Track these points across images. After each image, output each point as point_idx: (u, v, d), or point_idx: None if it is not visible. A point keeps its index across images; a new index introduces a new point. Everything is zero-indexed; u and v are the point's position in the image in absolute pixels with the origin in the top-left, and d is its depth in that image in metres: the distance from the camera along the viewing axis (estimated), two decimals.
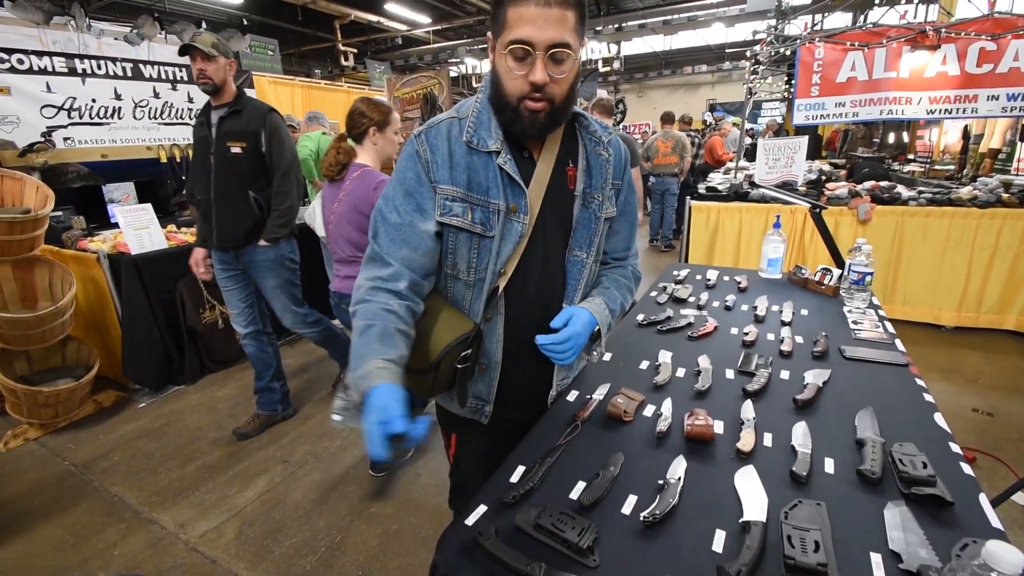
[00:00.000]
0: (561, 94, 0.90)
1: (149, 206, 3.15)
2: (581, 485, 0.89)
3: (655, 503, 0.83)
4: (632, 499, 0.86)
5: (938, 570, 0.68)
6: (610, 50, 13.61)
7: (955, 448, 0.96)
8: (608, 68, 13.30)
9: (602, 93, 11.20)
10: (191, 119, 5.35)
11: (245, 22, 10.21)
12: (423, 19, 11.59)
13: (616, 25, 12.38)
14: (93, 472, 2.41)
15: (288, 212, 2.42)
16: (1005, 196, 3.46)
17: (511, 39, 0.84)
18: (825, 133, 8.46)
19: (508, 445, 1.01)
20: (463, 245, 0.97)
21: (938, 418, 1.06)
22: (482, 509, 0.85)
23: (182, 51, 2.17)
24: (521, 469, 0.94)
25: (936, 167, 5.27)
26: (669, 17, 12.12)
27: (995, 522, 0.79)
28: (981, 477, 2.14)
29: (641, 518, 0.80)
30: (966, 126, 5.21)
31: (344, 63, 10.26)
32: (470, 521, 0.82)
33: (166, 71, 5.75)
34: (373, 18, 10.45)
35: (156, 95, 5.37)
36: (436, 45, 13.25)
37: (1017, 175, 4.37)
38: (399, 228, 0.95)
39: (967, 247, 3.46)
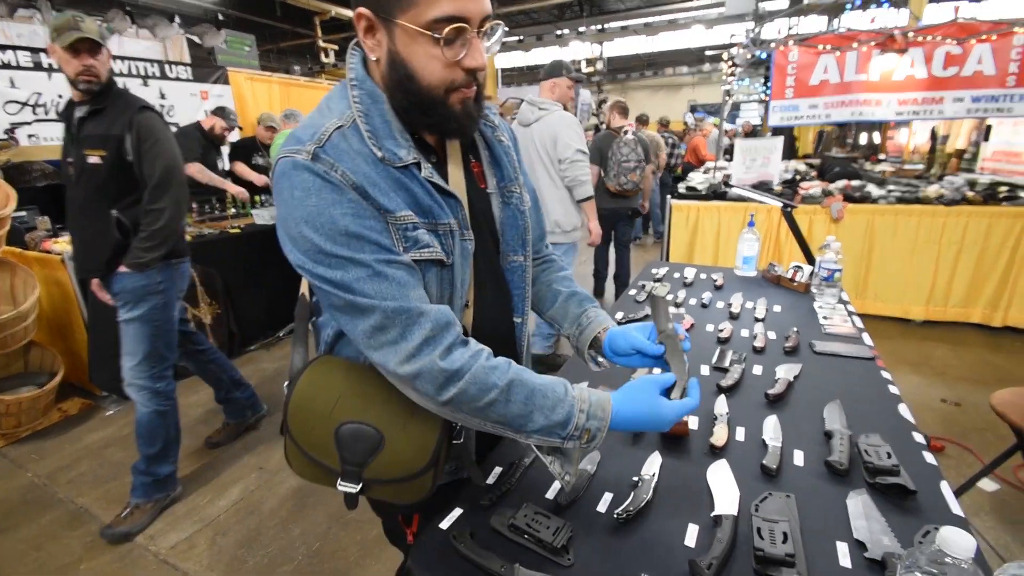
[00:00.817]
0: (485, 75, 0.74)
1: None
2: (558, 485, 0.90)
3: (629, 500, 0.84)
4: (608, 496, 0.87)
5: (900, 557, 0.70)
6: (593, 51, 13.68)
7: (918, 438, 1.00)
8: (592, 69, 13.39)
9: (585, 94, 11.27)
10: (169, 116, 5.23)
11: (221, 17, 10.00)
12: None
13: (599, 26, 12.45)
14: (58, 483, 2.33)
15: (160, 234, 1.86)
16: (970, 195, 3.58)
17: (436, 17, 0.65)
18: (802, 134, 8.64)
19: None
20: (432, 282, 0.75)
21: (902, 409, 1.09)
22: (457, 512, 0.84)
23: (70, 46, 1.70)
24: (498, 471, 0.94)
25: (906, 167, 5.42)
26: (650, 19, 12.25)
27: (955, 508, 0.82)
28: (950, 465, 2.23)
29: (615, 515, 0.81)
30: (933, 127, 5.37)
31: (324, 60, 10.12)
32: (445, 525, 0.82)
33: (137, 67, 5.60)
34: (352, 13, 10.35)
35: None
36: None
37: (982, 174, 4.53)
38: (380, 276, 0.68)
39: (934, 244, 3.57)
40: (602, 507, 0.85)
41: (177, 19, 6.69)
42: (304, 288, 0.84)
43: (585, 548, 0.77)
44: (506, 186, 0.88)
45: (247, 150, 4.46)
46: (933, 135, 5.37)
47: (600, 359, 0.95)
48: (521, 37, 12.64)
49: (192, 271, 3.16)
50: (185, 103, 6.03)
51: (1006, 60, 3.66)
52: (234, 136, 4.60)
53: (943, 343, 3.46)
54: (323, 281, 0.69)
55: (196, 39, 7.28)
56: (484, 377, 0.69)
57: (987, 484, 2.08)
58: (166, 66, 5.91)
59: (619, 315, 1.65)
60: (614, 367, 0.94)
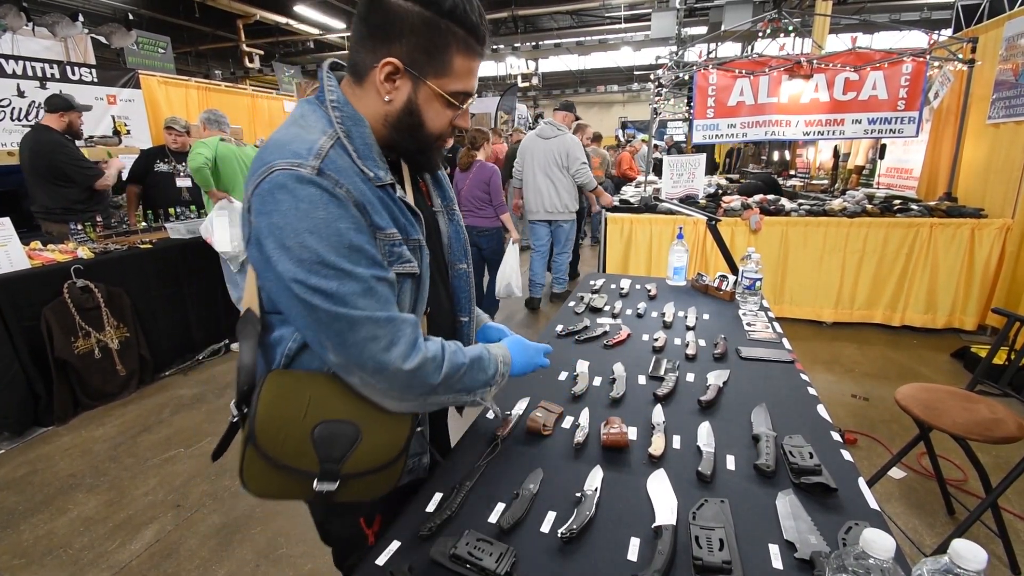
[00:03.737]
0: None
1: (7, 220, 2.73)
2: (501, 507, 0.87)
3: (572, 518, 0.83)
4: (551, 515, 0.85)
5: (827, 556, 0.73)
6: (528, 66, 14.00)
7: (836, 436, 1.06)
8: (527, 84, 13.70)
9: (521, 108, 11.50)
10: None
11: (131, 16, 9.29)
12: (337, 24, 11.22)
13: (533, 43, 12.78)
14: None
15: None
16: (869, 207, 3.96)
17: (458, 89, 0.80)
18: (718, 151, 9.26)
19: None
20: (406, 293, 0.83)
21: (821, 409, 1.16)
22: (395, 545, 0.80)
23: None
24: (438, 497, 0.90)
25: (813, 182, 5.94)
26: (582, 38, 12.73)
27: (872, 503, 0.87)
28: (862, 456, 2.41)
29: (559, 534, 0.80)
30: (836, 146, 5.93)
31: (249, 65, 9.66)
32: (381, 560, 0.77)
33: (33, 67, 5.09)
34: (281, 19, 9.95)
35: (21, 94, 4.73)
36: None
37: (878, 188, 5.03)
38: (372, 291, 0.74)
39: (840, 252, 3.91)
40: (546, 527, 0.83)
41: (81, 17, 6.13)
42: (251, 303, 0.83)
43: (530, 571, 0.74)
44: (448, 205, 1.01)
45: (153, 158, 4.09)
46: (836, 153, 5.92)
47: None
48: None
49: (96, 291, 2.90)
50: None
51: (896, 86, 4.11)
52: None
53: (851, 342, 3.78)
54: (315, 291, 0.71)
55: (103, 39, 6.70)
56: (454, 359, 0.84)
57: (896, 472, 2.27)
58: (68, 67, 5.40)
59: (559, 327, 1.67)
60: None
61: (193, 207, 3.96)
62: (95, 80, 5.57)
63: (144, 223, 3.79)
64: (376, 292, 0.74)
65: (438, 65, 0.78)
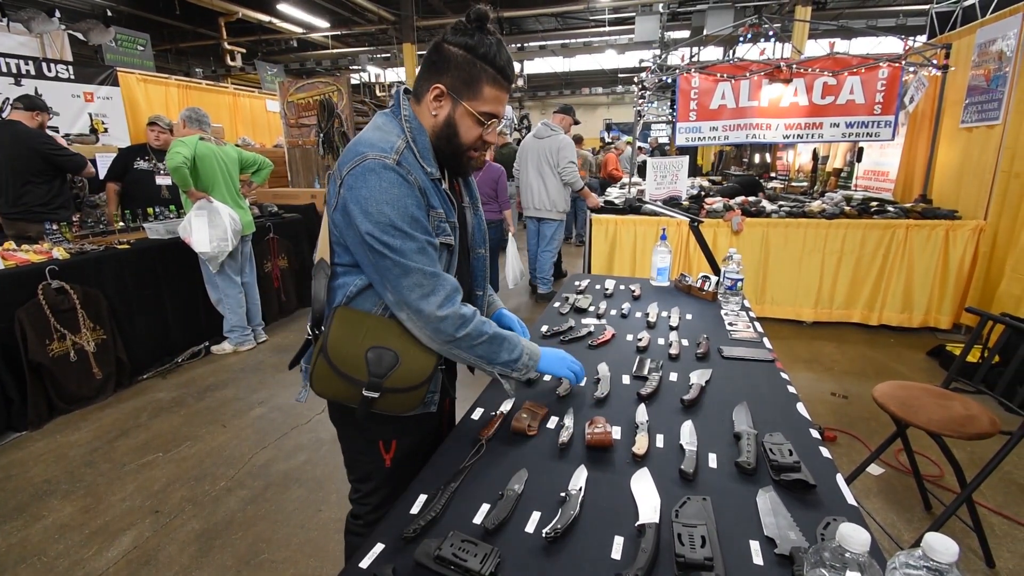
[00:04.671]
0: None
1: None
2: (486, 508, 0.87)
3: (556, 517, 0.83)
4: (536, 516, 0.86)
5: (805, 551, 0.74)
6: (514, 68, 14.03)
7: (815, 434, 1.08)
8: (513, 85, 13.73)
9: (507, 109, 11.51)
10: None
11: (109, 13, 9.09)
12: (321, 23, 11.11)
13: (518, 45, 12.79)
14: None
15: None
16: (847, 209, 4.04)
17: (487, 111, 1.05)
18: (704, 153, 9.37)
19: (439, 420, 1.24)
20: (443, 259, 1.09)
21: (800, 407, 1.19)
22: (379, 548, 0.79)
23: None
24: (423, 498, 0.90)
25: (793, 184, 6.04)
26: (567, 41, 12.78)
27: (850, 499, 0.89)
28: (842, 453, 2.46)
29: (544, 534, 0.80)
30: (815, 149, 6.04)
31: (231, 63, 9.50)
32: (365, 563, 0.76)
33: (8, 63, 4.95)
34: (264, 18, 9.81)
35: None
36: (336, 51, 12.77)
37: (856, 191, 5.14)
38: (424, 251, 1.00)
39: (819, 253, 3.99)
40: (530, 527, 0.83)
41: (58, 13, 5.98)
42: (324, 255, 1.08)
43: (515, 571, 0.74)
44: (474, 203, 1.27)
45: (132, 155, 4.00)
46: (815, 156, 6.03)
47: None
48: None
49: (71, 292, 2.83)
50: (66, 105, 5.40)
51: (873, 91, 4.21)
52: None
53: (830, 341, 3.85)
54: (385, 246, 0.98)
55: (80, 36, 6.54)
56: (480, 327, 1.07)
57: (874, 468, 2.32)
58: (43, 64, 5.27)
59: (544, 328, 1.67)
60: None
61: (172, 207, 3.88)
62: (72, 77, 5.44)
63: (121, 223, 3.70)
64: (427, 252, 1.01)
65: (472, 92, 1.03)
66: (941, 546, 0.53)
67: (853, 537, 0.55)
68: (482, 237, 1.28)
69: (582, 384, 1.28)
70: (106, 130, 5.76)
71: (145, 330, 3.38)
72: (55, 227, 3.24)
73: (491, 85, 1.04)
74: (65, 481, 2.34)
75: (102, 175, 4.08)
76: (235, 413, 2.94)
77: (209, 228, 3.31)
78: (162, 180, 3.98)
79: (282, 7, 9.77)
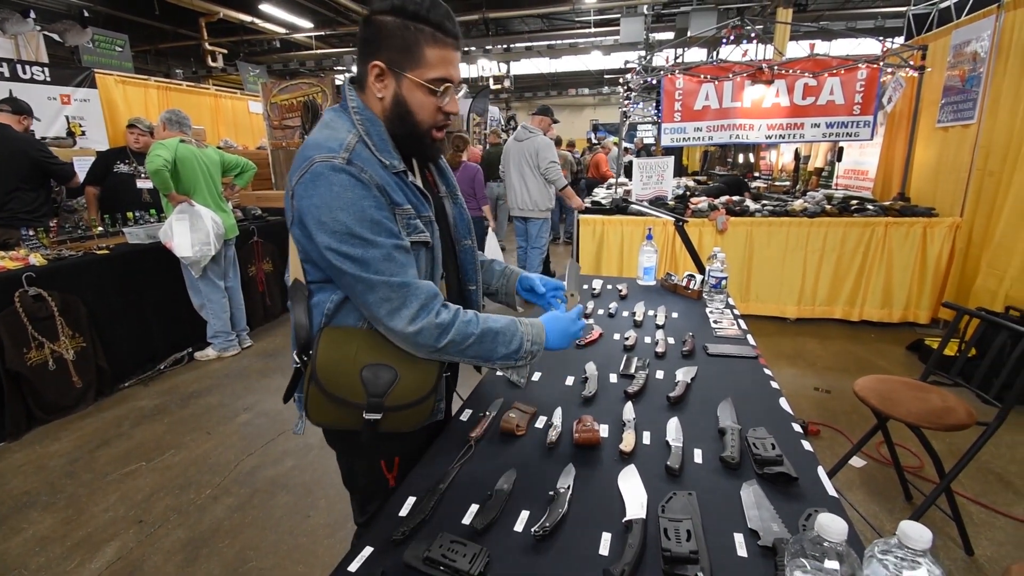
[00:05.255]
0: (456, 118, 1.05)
1: None
2: (475, 508, 0.88)
3: (545, 516, 0.84)
4: (524, 515, 0.86)
5: (787, 542, 0.76)
6: (500, 69, 14.03)
7: (797, 428, 1.10)
8: (499, 86, 13.72)
9: (494, 110, 11.52)
10: None
11: (86, 13, 8.91)
12: (304, 23, 11.00)
13: (504, 45, 12.81)
14: None
15: None
16: (828, 207, 4.12)
17: (435, 77, 0.94)
18: (690, 154, 9.47)
19: (440, 427, 1.15)
20: (422, 259, 1.01)
21: (783, 402, 1.21)
22: (368, 551, 0.79)
23: None
24: (412, 500, 0.90)
25: (776, 183, 6.13)
26: (553, 42, 12.82)
27: (831, 491, 0.91)
28: (825, 446, 2.50)
29: (532, 532, 0.80)
30: (797, 149, 6.14)
31: (212, 64, 9.37)
32: (354, 567, 0.76)
33: None
34: (246, 18, 9.68)
35: None
36: (319, 51, 12.65)
37: (836, 189, 5.23)
38: (391, 257, 0.91)
39: (801, 251, 4.05)
40: (519, 526, 0.84)
41: (32, 14, 5.85)
42: (297, 275, 1.00)
43: (504, 570, 0.75)
44: (452, 191, 1.18)
45: (112, 159, 3.93)
46: (797, 156, 6.13)
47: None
48: None
49: (49, 299, 2.77)
50: (42, 108, 5.28)
51: (852, 92, 4.29)
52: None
53: (813, 337, 3.92)
54: (346, 257, 0.89)
55: (56, 37, 6.41)
56: (464, 329, 0.96)
57: (856, 461, 2.37)
58: (18, 66, 5.15)
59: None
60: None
61: (153, 211, 3.82)
62: (48, 79, 5.33)
63: (101, 228, 3.63)
64: (395, 258, 0.91)
65: (413, 60, 0.93)
66: (915, 533, 0.55)
67: (831, 527, 0.56)
68: (466, 227, 1.20)
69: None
70: (83, 133, 5.64)
71: (126, 337, 3.32)
72: (32, 233, 3.17)
73: (432, 45, 0.92)
74: (45, 493, 2.29)
75: (81, 179, 4.00)
76: (220, 420, 2.90)
77: (191, 232, 3.27)
78: (143, 184, 3.91)
79: (264, 7, 9.66)
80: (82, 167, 4.05)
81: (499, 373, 1.29)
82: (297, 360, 1.01)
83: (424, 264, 1.01)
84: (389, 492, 1.01)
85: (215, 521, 2.10)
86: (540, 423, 1.14)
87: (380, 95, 0.96)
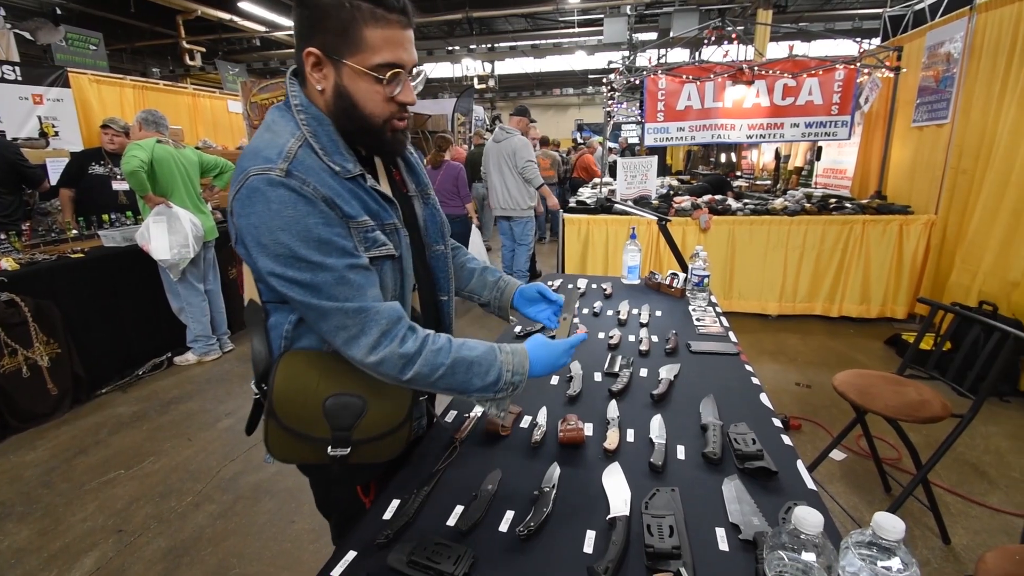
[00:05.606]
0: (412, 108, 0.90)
1: None
2: (459, 509, 0.87)
3: (530, 515, 0.84)
4: (510, 515, 0.86)
5: (767, 535, 0.77)
6: (484, 68, 14.02)
7: (777, 422, 1.12)
8: (483, 85, 13.71)
9: (478, 110, 11.51)
10: None
11: (59, 11, 8.69)
12: (284, 21, 10.85)
13: (488, 45, 12.80)
14: None
15: None
16: (807, 206, 4.19)
17: (380, 62, 0.81)
18: (674, 153, 9.56)
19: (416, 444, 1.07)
20: (388, 274, 0.90)
21: (763, 398, 1.22)
22: (351, 556, 0.78)
23: None
24: (396, 503, 0.89)
25: (757, 182, 6.22)
26: (537, 41, 12.85)
27: (810, 484, 0.92)
28: (806, 440, 2.54)
29: (517, 532, 0.80)
30: (777, 148, 6.24)
31: (190, 63, 9.20)
32: (336, 572, 0.75)
33: None
34: (225, 16, 9.52)
35: None
36: None
37: (816, 188, 5.33)
38: (344, 280, 0.80)
39: (782, 248, 4.12)
40: (504, 526, 0.84)
41: (2, 12, 5.69)
42: (252, 295, 0.92)
43: (488, 571, 0.75)
44: (423, 189, 1.06)
45: (87, 160, 3.83)
46: (777, 155, 6.23)
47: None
48: None
49: (22, 305, 2.70)
50: (13, 108, 5.14)
51: (830, 92, 4.37)
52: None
53: (794, 333, 3.99)
54: (293, 283, 0.79)
55: (27, 35, 6.24)
56: (433, 359, 0.85)
57: (836, 454, 2.41)
58: None
59: (517, 329, 1.68)
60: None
61: (129, 213, 3.74)
62: (19, 79, 5.19)
63: (75, 231, 3.55)
64: (349, 280, 0.80)
65: (352, 43, 0.80)
66: (889, 525, 0.56)
67: (807, 520, 0.57)
68: (438, 230, 1.07)
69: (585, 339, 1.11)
70: (56, 134, 5.50)
71: (103, 343, 3.25)
72: (4, 236, 3.09)
73: (373, 25, 0.79)
74: (21, 503, 2.23)
75: (54, 181, 3.91)
76: (201, 426, 2.85)
77: (169, 234, 3.21)
78: (118, 185, 3.83)
79: (243, 5, 9.51)
80: (56, 168, 3.96)
81: (477, 408, 1.14)
82: (256, 390, 0.92)
83: (391, 279, 0.91)
84: (368, 512, 0.91)
85: (197, 529, 2.06)
86: (525, 423, 1.14)
87: (320, 87, 0.84)
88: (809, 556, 0.57)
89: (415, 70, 0.87)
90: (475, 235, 4.69)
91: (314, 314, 0.81)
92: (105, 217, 3.59)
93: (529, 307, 1.17)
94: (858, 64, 4.32)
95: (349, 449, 0.87)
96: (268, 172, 0.78)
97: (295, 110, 0.85)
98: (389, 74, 0.82)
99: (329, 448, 0.87)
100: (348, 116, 0.85)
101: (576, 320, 1.17)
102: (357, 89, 0.83)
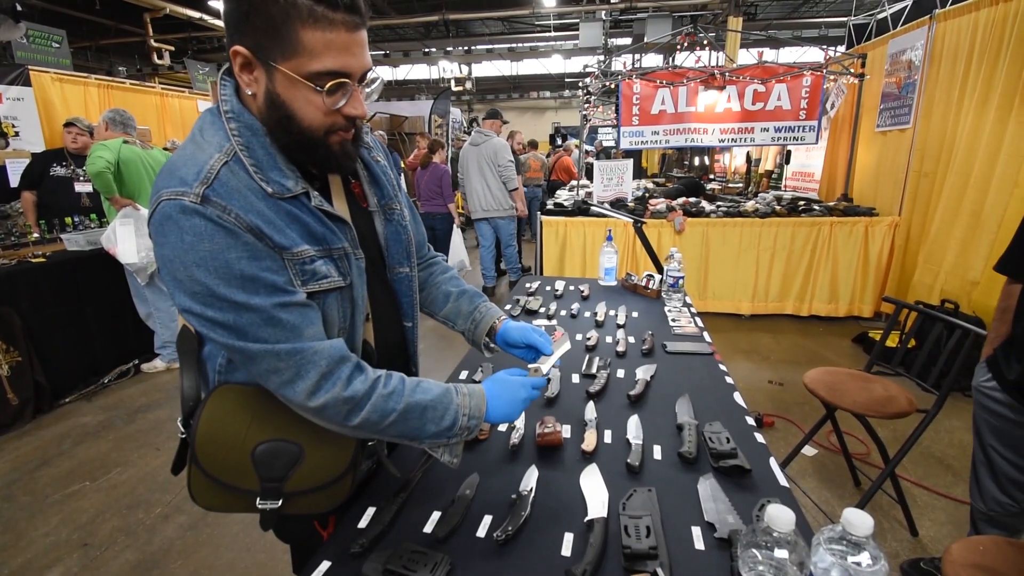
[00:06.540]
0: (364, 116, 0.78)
1: None
2: (437, 516, 0.86)
3: (507, 520, 0.83)
4: (487, 519, 0.86)
5: (741, 533, 0.78)
6: (461, 71, 14.01)
7: (750, 420, 1.14)
8: (460, 88, 13.69)
9: (455, 112, 11.49)
10: None
11: (19, 7, 8.33)
12: None
13: (465, 47, 12.79)
14: None
15: None
16: (777, 208, 4.30)
17: (319, 70, 0.68)
18: (649, 156, 9.69)
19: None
20: (332, 307, 0.79)
21: (737, 397, 1.25)
22: (325, 566, 0.77)
23: None
24: (371, 511, 0.88)
25: (730, 185, 6.36)
26: (514, 44, 12.90)
27: (782, 481, 0.94)
28: (779, 437, 2.60)
29: (495, 537, 0.80)
30: (748, 152, 6.38)
31: (158, 61, 8.92)
32: None
33: None
34: (194, 14, 9.28)
35: None
36: None
37: (785, 191, 5.47)
38: (273, 320, 0.70)
39: (754, 249, 4.21)
40: (481, 531, 0.83)
41: None
42: (184, 318, 0.81)
43: None
44: (387, 204, 0.93)
45: (48, 161, 3.68)
46: (748, 159, 6.37)
47: (492, 346, 1.09)
48: (387, 52, 12.48)
49: None
50: None
51: (798, 97, 4.49)
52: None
53: (766, 332, 4.08)
54: (213, 324, 0.69)
55: None
56: (383, 404, 0.76)
57: (808, 450, 2.47)
58: None
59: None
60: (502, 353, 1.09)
61: (94, 215, 3.61)
62: None
63: (37, 235, 3.41)
64: (279, 321, 0.70)
65: (285, 46, 0.67)
66: (858, 521, 0.58)
67: (779, 518, 0.58)
68: (403, 251, 0.94)
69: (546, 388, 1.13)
70: (17, 134, 5.27)
71: (66, 350, 3.13)
72: None
73: (312, 26, 0.66)
74: None
75: (14, 183, 3.74)
76: (170, 435, 2.76)
77: (136, 237, 3.11)
78: (81, 187, 3.69)
79: (213, 3, 9.30)
80: (15, 170, 3.80)
81: (428, 454, 0.89)
82: (182, 429, 0.80)
83: (337, 312, 0.80)
84: (328, 541, 0.84)
85: (166, 541, 1.99)
86: (503, 426, 1.14)
87: (251, 91, 0.72)
88: (782, 553, 0.58)
89: (369, 76, 0.74)
90: (456, 236, 4.76)
91: (240, 356, 0.71)
92: (68, 220, 3.46)
93: (512, 349, 1.06)
94: (824, 71, 4.45)
95: (280, 502, 0.77)
96: (181, 198, 0.66)
97: (225, 117, 0.73)
98: (331, 84, 0.69)
99: (258, 500, 0.77)
100: (283, 128, 0.72)
101: (559, 363, 1.07)
102: (293, 98, 0.70)
